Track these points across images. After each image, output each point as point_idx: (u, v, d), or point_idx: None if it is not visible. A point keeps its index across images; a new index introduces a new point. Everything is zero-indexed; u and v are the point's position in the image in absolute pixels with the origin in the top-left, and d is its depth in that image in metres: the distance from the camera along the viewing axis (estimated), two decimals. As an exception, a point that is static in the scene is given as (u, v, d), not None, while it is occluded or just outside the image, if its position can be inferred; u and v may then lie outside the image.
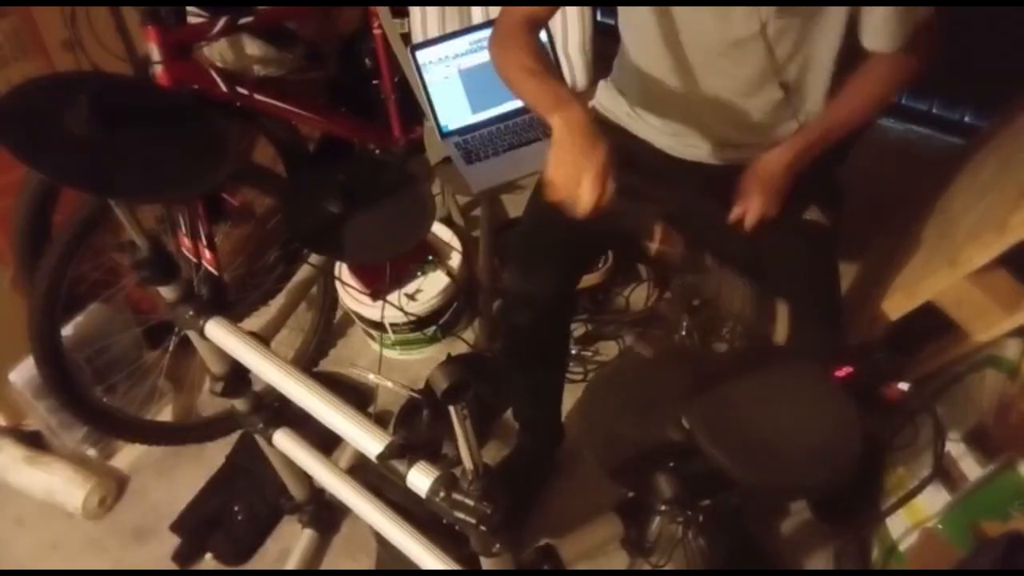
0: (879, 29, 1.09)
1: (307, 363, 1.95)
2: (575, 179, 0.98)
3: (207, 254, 1.54)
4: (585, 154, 0.99)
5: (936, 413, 1.13)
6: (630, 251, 1.89)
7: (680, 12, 1.14)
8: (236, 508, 1.69)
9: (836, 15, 1.10)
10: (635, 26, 1.24)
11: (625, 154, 1.35)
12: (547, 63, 1.17)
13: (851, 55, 1.17)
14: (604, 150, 1.00)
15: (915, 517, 1.29)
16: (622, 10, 1.26)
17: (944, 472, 1.23)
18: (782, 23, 1.10)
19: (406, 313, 1.78)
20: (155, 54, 1.43)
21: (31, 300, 1.45)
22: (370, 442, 0.87)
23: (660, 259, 1.09)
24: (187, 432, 1.82)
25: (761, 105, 1.22)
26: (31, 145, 0.83)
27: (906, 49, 1.11)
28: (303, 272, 1.54)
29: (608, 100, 1.42)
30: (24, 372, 1.65)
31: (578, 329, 1.94)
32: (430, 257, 1.86)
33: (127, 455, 1.84)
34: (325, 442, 1.25)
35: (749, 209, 1.15)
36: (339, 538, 1.65)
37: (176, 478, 1.79)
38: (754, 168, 1.18)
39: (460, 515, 0.81)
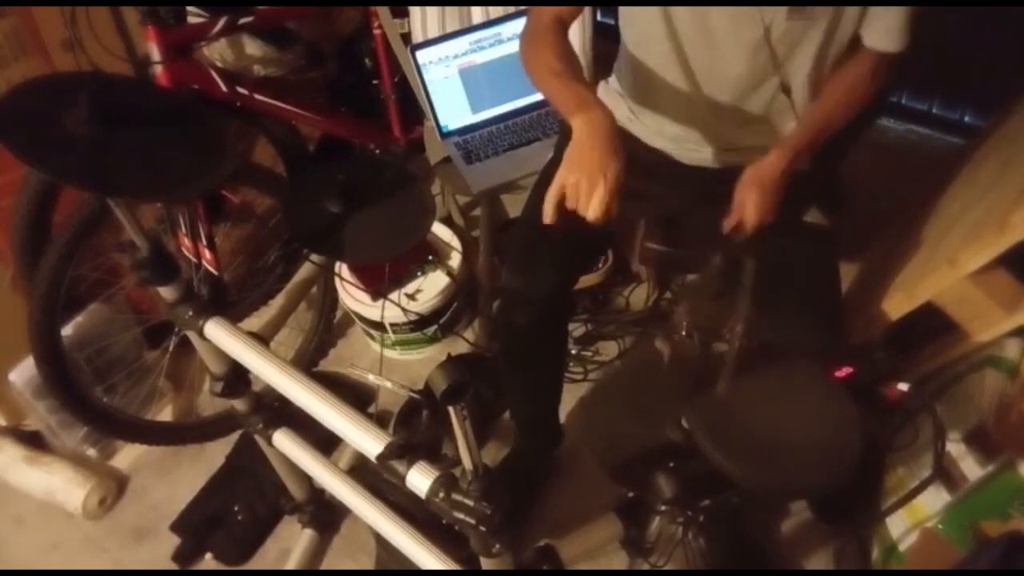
0: (890, 30, 1.11)
1: (307, 363, 1.95)
2: (587, 185, 0.97)
3: (207, 254, 1.54)
4: (602, 160, 0.98)
5: (936, 413, 1.13)
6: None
7: (683, 13, 1.14)
8: (236, 508, 1.70)
9: (844, 17, 1.10)
10: (637, 26, 1.24)
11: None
12: (573, 65, 1.17)
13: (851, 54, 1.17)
14: (621, 159, 0.99)
15: (915, 517, 1.29)
16: (624, 10, 1.26)
17: (944, 472, 1.23)
18: (788, 25, 1.09)
19: (406, 312, 1.78)
20: (155, 54, 1.43)
21: (31, 300, 1.45)
22: (370, 442, 0.87)
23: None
24: (187, 432, 1.82)
25: (762, 107, 1.22)
26: (31, 145, 0.83)
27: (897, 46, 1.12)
28: (303, 272, 1.54)
29: (607, 101, 1.42)
30: (24, 372, 1.65)
31: (578, 329, 1.94)
32: (430, 257, 1.86)
33: (127, 455, 1.84)
34: (325, 442, 1.25)
35: (746, 216, 1.15)
36: (339, 538, 1.65)
37: (176, 478, 1.79)
38: (749, 174, 1.17)
39: (459, 516, 0.81)
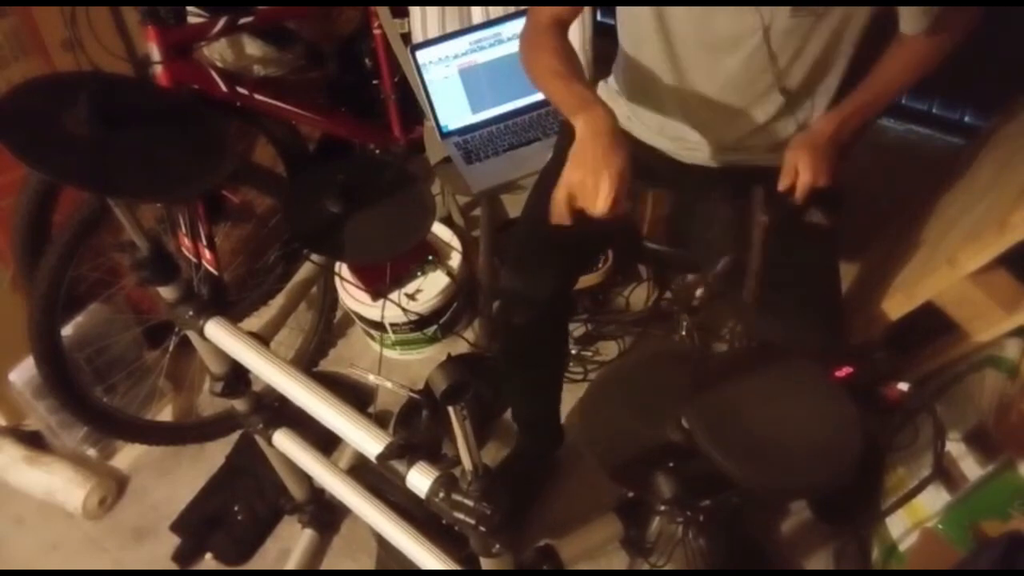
0: (910, 15, 1.11)
1: (307, 363, 1.95)
2: (592, 181, 0.99)
3: (207, 254, 1.54)
4: (605, 157, 1.00)
5: (936, 413, 1.13)
6: (630, 250, 1.89)
7: (679, 12, 1.14)
8: (236, 508, 1.70)
9: (845, 15, 1.10)
10: (632, 27, 1.24)
11: None
12: (573, 65, 1.18)
13: (863, 55, 1.17)
14: (624, 155, 1.01)
15: (915, 517, 1.29)
16: (619, 10, 1.26)
17: (944, 472, 1.23)
18: (790, 23, 1.09)
19: (406, 312, 1.78)
20: (155, 54, 1.43)
21: (31, 300, 1.45)
22: (370, 442, 0.87)
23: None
24: (187, 432, 1.82)
25: (760, 108, 1.22)
26: (31, 145, 0.83)
27: (936, 29, 1.11)
28: (303, 272, 1.54)
29: (607, 101, 1.42)
30: (24, 372, 1.65)
31: (578, 329, 1.94)
32: (430, 257, 1.86)
33: (127, 455, 1.84)
34: (325, 442, 1.25)
35: (800, 176, 1.15)
36: (339, 538, 1.65)
37: (176, 478, 1.79)
38: (798, 138, 1.18)
39: (459, 516, 0.81)
